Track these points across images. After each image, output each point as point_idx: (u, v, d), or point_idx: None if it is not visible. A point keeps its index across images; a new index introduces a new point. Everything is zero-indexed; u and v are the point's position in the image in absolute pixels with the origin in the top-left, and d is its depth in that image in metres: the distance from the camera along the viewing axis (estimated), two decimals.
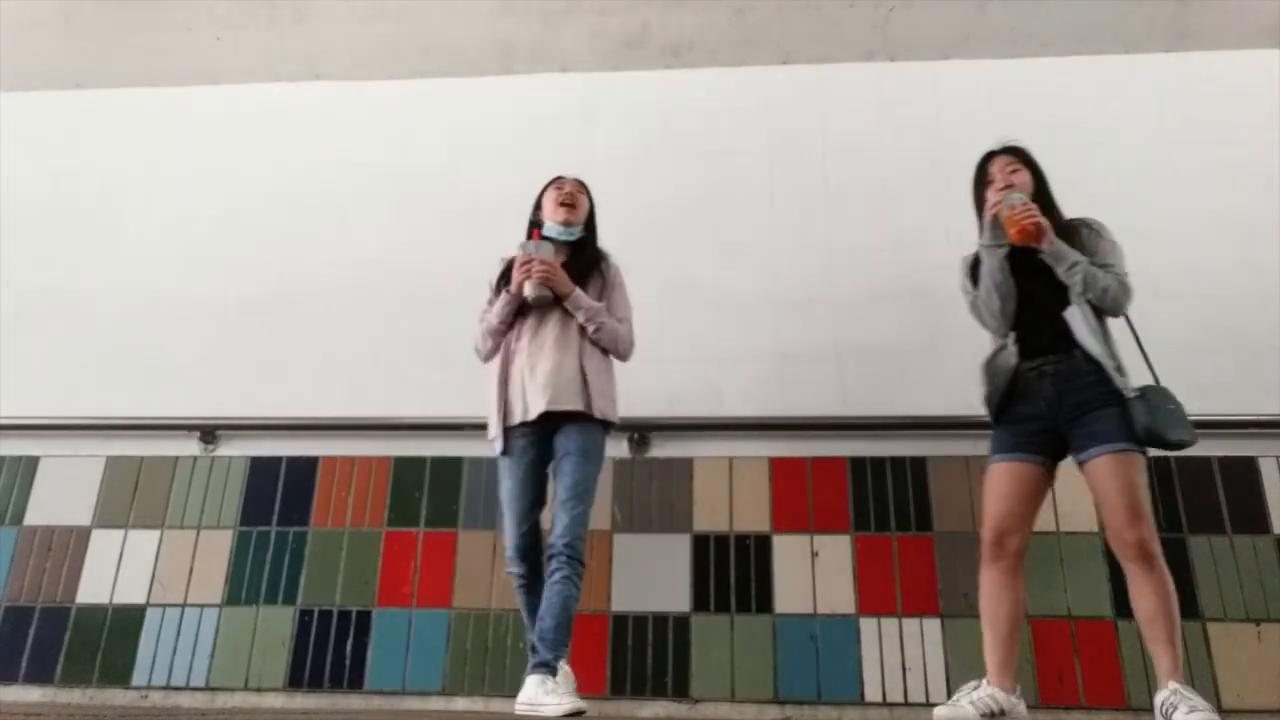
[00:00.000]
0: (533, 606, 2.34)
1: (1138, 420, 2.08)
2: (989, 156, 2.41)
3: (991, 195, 2.32)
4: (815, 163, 3.32)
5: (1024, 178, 2.34)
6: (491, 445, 2.42)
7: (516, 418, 2.40)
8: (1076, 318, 2.19)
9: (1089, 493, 2.80)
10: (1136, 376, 2.19)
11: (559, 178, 2.61)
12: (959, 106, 3.36)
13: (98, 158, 3.59)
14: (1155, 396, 2.12)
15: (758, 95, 3.46)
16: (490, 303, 2.53)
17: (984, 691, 2.10)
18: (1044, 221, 2.20)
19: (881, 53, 3.46)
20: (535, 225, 2.57)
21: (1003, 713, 2.08)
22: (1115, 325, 2.28)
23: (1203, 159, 3.21)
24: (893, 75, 3.45)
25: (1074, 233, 2.31)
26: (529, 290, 2.40)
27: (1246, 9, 3.26)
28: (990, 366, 2.31)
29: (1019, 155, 2.39)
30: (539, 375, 2.41)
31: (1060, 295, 2.23)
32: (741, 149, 3.39)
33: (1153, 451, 2.15)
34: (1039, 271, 2.26)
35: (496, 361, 2.47)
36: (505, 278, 2.50)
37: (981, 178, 2.40)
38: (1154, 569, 2.06)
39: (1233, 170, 3.18)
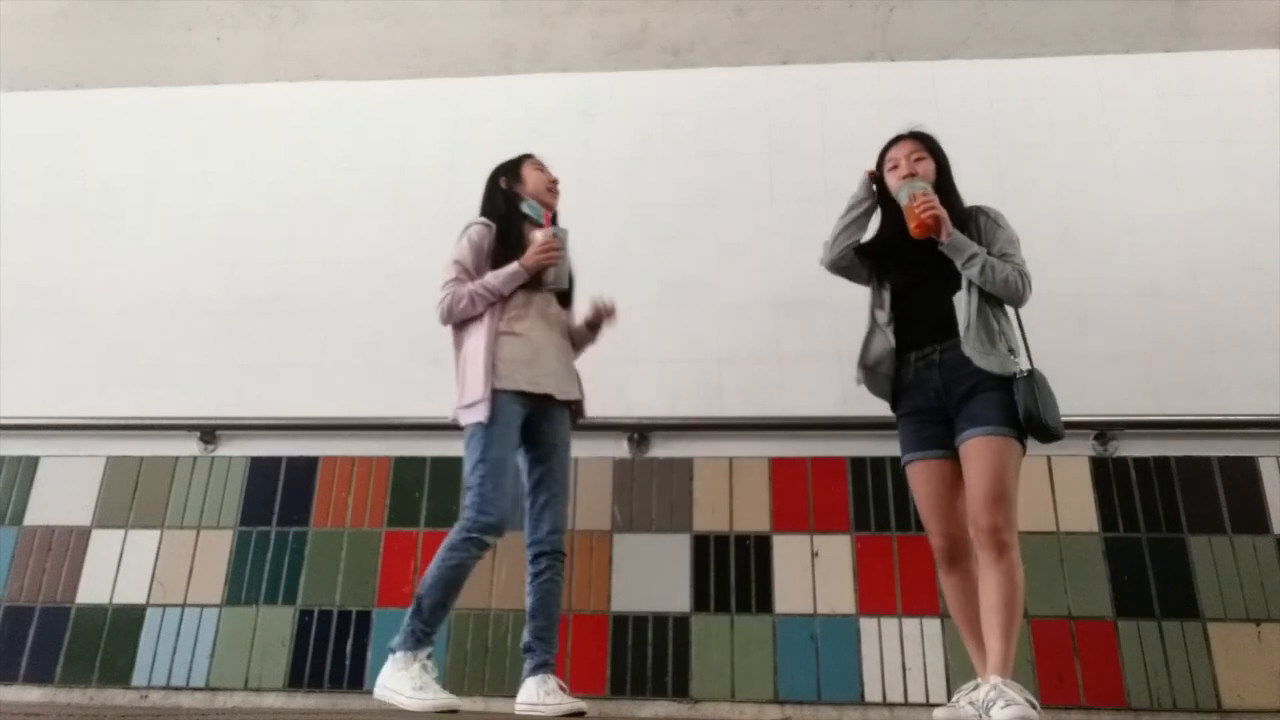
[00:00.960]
0: (460, 587, 2.22)
1: (1022, 400, 2.05)
2: (894, 141, 2.39)
3: (891, 180, 2.33)
4: (815, 163, 3.32)
5: (928, 166, 2.32)
6: (474, 409, 2.27)
7: (520, 385, 2.31)
8: (961, 304, 2.17)
9: (1090, 491, 2.82)
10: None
11: (533, 156, 2.60)
12: (959, 106, 3.36)
13: (98, 158, 3.60)
14: (1041, 380, 2.10)
15: (758, 95, 3.46)
16: (476, 267, 2.41)
17: (982, 692, 2.10)
18: (943, 213, 2.19)
19: (881, 53, 3.46)
20: (515, 197, 2.52)
21: None
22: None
23: (1203, 159, 3.21)
24: (893, 75, 3.45)
25: (971, 221, 2.30)
26: (552, 277, 2.39)
27: (1246, 9, 3.26)
28: (866, 353, 2.29)
29: (924, 142, 2.36)
30: (550, 359, 2.39)
31: (949, 284, 2.21)
32: (741, 149, 3.39)
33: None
34: (928, 260, 2.25)
35: (481, 327, 2.35)
36: (504, 245, 2.43)
37: (883, 163, 2.38)
38: (1004, 559, 2.01)
39: (1233, 170, 3.18)
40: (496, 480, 2.23)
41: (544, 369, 2.37)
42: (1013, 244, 2.27)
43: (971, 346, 2.12)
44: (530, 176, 2.56)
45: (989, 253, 2.22)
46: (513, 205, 2.52)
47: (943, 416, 2.19)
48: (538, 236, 2.42)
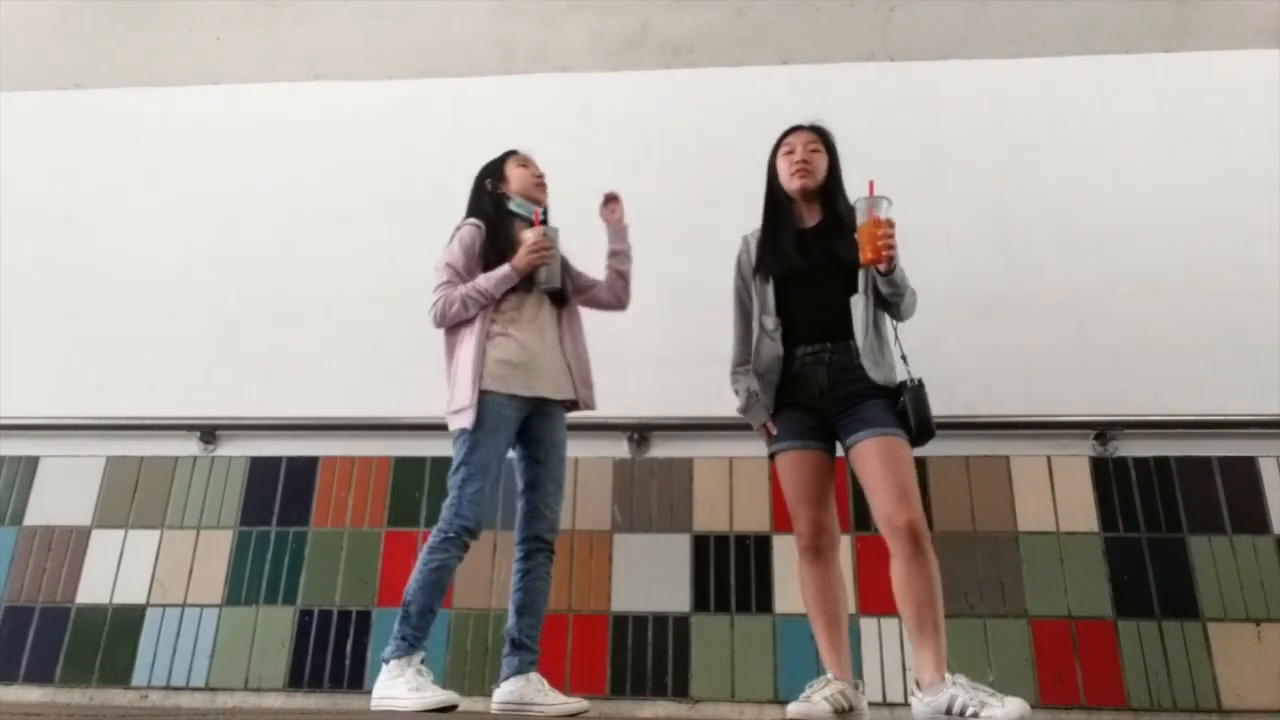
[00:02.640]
0: (444, 588, 2.23)
1: (914, 409, 2.09)
2: (794, 129, 2.40)
3: (783, 165, 2.33)
4: None
5: (822, 160, 2.34)
6: (461, 414, 2.27)
7: (513, 389, 2.30)
8: (858, 312, 2.17)
9: (1090, 491, 2.81)
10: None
11: (517, 152, 2.59)
12: (959, 106, 3.36)
13: (98, 158, 3.59)
14: (924, 390, 2.14)
15: (758, 95, 3.46)
16: (467, 269, 2.40)
17: (834, 688, 2.05)
18: (896, 253, 2.14)
19: (881, 53, 3.46)
20: (501, 196, 2.51)
21: (852, 708, 2.05)
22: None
23: (1203, 159, 3.21)
24: (893, 75, 3.45)
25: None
26: (544, 277, 2.38)
27: (1246, 9, 3.26)
28: (758, 360, 2.26)
29: (822, 137, 2.38)
30: (544, 359, 2.37)
31: (834, 279, 2.21)
32: (741, 149, 3.37)
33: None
34: (820, 251, 2.25)
35: (471, 331, 2.34)
36: (494, 246, 2.42)
37: (779, 147, 2.40)
38: (923, 552, 2.00)
39: (1233, 170, 3.18)
40: (476, 485, 2.23)
41: (538, 371, 2.36)
42: None
43: (866, 356, 2.14)
44: (515, 174, 2.54)
45: None
46: (500, 206, 2.50)
47: (820, 414, 2.19)
48: (528, 236, 2.40)
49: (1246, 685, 2.56)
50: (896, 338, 2.26)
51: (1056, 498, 2.80)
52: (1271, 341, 2.93)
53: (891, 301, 2.21)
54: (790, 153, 2.34)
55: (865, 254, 2.09)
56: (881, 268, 2.12)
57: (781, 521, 2.85)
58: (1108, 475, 2.81)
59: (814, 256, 2.25)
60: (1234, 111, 3.27)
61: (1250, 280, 3.03)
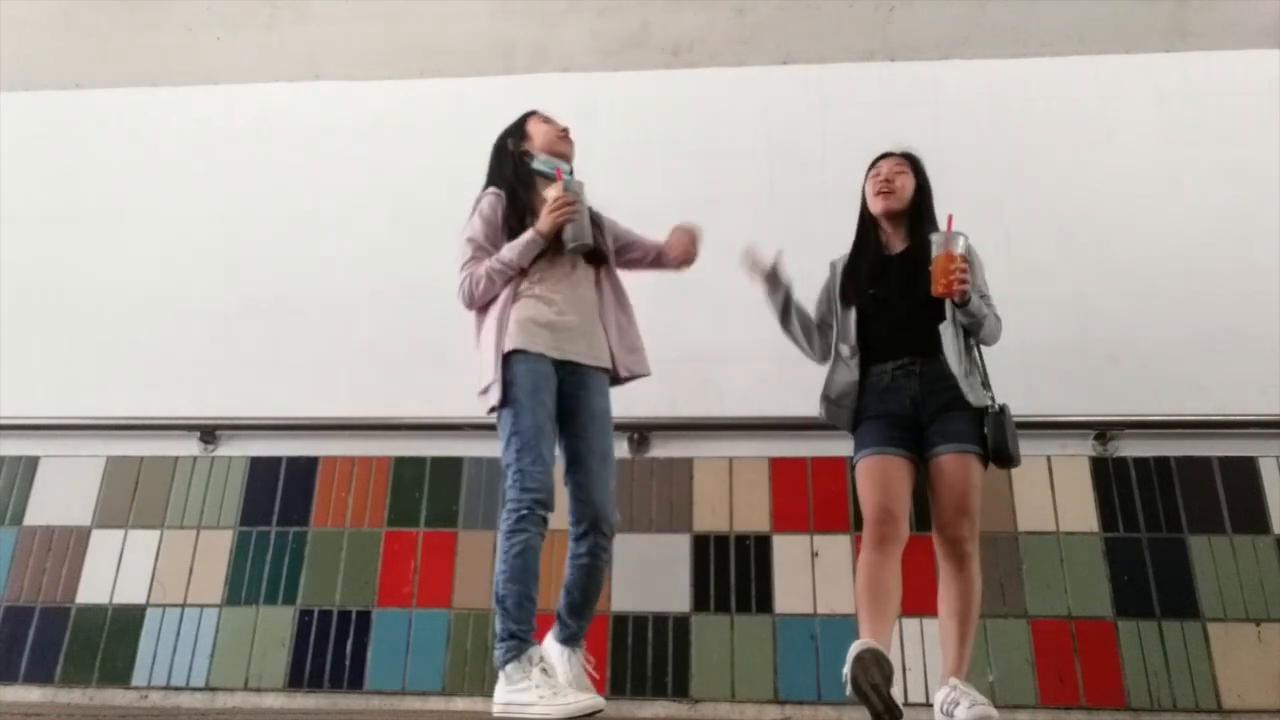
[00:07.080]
0: (535, 572, 2.03)
1: (993, 434, 2.16)
2: (884, 155, 2.46)
3: (869, 187, 2.40)
4: (815, 163, 3.32)
5: (906, 180, 2.39)
6: (488, 393, 2.11)
7: (540, 348, 2.12)
8: (948, 336, 2.23)
9: (1090, 491, 2.82)
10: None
11: (537, 111, 2.44)
12: (959, 106, 3.36)
13: (98, 158, 3.59)
14: (1007, 416, 2.20)
15: (758, 95, 3.46)
16: (491, 240, 2.23)
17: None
18: (969, 285, 2.18)
19: (881, 53, 3.46)
20: (524, 155, 2.34)
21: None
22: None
23: (1203, 159, 3.21)
24: (893, 75, 3.45)
25: None
26: (570, 235, 2.17)
27: (1246, 9, 3.26)
28: (830, 385, 2.34)
29: (911, 162, 2.43)
30: (576, 322, 2.20)
31: (917, 295, 2.24)
32: (741, 149, 3.39)
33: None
34: (902, 279, 2.29)
35: (497, 303, 2.18)
36: (517, 211, 2.24)
37: (868, 173, 2.47)
38: (966, 568, 2.14)
39: (1233, 170, 3.18)
40: (534, 452, 2.04)
41: (568, 333, 2.18)
42: (985, 282, 2.36)
43: (961, 381, 2.20)
44: (537, 130, 2.37)
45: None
46: (522, 166, 2.33)
47: (912, 424, 2.23)
48: (549, 194, 2.22)
49: (1246, 685, 2.56)
50: (982, 363, 2.31)
51: (1056, 498, 2.80)
52: (1271, 341, 2.93)
53: (970, 329, 2.27)
54: (877, 175, 2.40)
55: (936, 287, 2.16)
56: (956, 299, 2.20)
57: (781, 522, 2.85)
58: (1108, 475, 2.81)
59: (894, 285, 2.30)
60: (1234, 111, 3.27)
61: (1250, 280, 3.03)
